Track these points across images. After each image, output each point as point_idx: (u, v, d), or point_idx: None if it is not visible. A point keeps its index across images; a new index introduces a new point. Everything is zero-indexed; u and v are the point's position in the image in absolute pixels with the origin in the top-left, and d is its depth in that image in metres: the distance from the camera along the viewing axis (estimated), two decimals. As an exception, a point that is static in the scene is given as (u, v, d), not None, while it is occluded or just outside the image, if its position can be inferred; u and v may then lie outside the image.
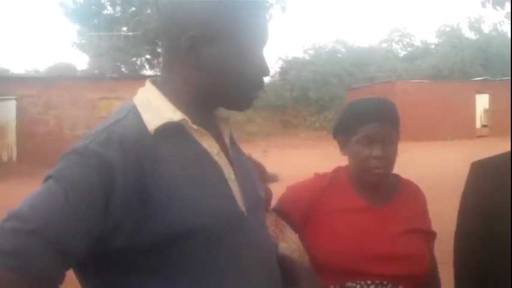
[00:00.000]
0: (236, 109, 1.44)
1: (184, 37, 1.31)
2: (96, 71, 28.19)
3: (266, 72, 1.42)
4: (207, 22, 1.32)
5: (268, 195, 1.98)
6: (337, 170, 2.14)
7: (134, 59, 30.45)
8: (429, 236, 2.09)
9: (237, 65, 1.34)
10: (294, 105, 38.20)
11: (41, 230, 1.11)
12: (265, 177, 2.02)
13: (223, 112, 1.49)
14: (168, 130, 1.29)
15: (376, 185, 2.02)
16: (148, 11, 25.93)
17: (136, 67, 30.41)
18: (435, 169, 13.17)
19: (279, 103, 37.92)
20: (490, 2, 10.77)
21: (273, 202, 2.09)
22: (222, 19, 1.32)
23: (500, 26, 36.43)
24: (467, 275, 2.03)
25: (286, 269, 1.54)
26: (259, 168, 1.95)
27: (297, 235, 2.00)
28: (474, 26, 42.71)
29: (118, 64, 29.59)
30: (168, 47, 1.38)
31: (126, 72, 29.25)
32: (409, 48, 47.65)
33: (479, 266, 1.99)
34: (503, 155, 2.05)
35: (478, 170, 2.04)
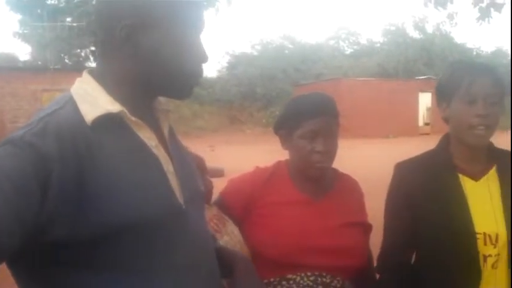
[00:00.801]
0: (176, 98, 1.43)
1: (120, 26, 1.29)
2: (39, 62, 27.52)
3: (205, 59, 1.41)
4: (142, 10, 1.30)
5: (209, 187, 2.00)
6: (278, 164, 2.17)
7: (78, 50, 29.84)
8: (366, 228, 2.15)
9: (175, 52, 1.33)
10: (241, 100, 38.24)
11: None
12: (205, 170, 2.02)
13: (162, 104, 1.48)
14: (106, 121, 1.27)
15: (316, 178, 2.05)
16: (93, 2, 25.43)
17: (81, 59, 29.81)
18: (375, 166, 13.45)
19: (226, 98, 37.90)
20: (432, 1, 11.00)
21: (215, 195, 2.10)
22: (158, 7, 1.31)
23: (443, 26, 37.39)
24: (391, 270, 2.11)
25: (224, 260, 1.55)
26: (199, 161, 1.95)
27: (238, 228, 2.02)
28: (418, 26, 43.60)
29: (62, 55, 28.96)
30: (104, 37, 1.35)
31: (70, 63, 28.70)
32: (355, 46, 48.34)
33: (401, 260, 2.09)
34: (424, 154, 2.13)
35: (401, 170, 2.12)
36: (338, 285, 1.96)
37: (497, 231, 1.94)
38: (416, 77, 35.44)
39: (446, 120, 2.04)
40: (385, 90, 31.94)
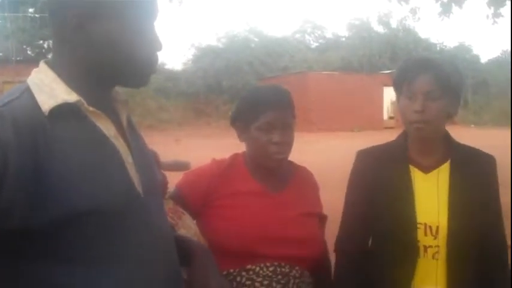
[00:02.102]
0: (132, 86, 1.43)
1: (71, 15, 1.29)
2: (0, 54, 27.01)
3: (159, 47, 1.41)
4: None
5: (164, 181, 2.00)
6: (235, 156, 2.19)
7: (41, 41, 29.33)
8: (322, 219, 2.20)
9: (127, 40, 1.33)
10: (206, 93, 38.08)
11: None
12: (159, 165, 2.03)
13: (120, 94, 1.48)
14: (63, 112, 1.27)
15: (272, 170, 2.08)
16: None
17: (43, 50, 29.27)
18: (339, 159, 13.66)
19: (192, 91, 37.71)
20: (395, -5, 11.10)
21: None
22: None
23: (406, 20, 37.73)
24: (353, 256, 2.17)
25: (183, 249, 1.56)
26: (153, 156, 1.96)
27: (195, 221, 2.04)
28: (383, 21, 44.03)
29: (24, 47, 28.49)
30: (56, 26, 1.35)
31: (33, 55, 28.23)
32: (320, 40, 48.57)
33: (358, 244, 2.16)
34: (384, 145, 2.22)
35: (360, 158, 2.20)
36: (297, 275, 1.99)
37: (438, 223, 2.00)
38: (381, 71, 35.77)
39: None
40: (350, 84, 32.17)
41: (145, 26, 1.36)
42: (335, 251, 2.22)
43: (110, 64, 1.34)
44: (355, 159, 2.21)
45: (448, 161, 2.09)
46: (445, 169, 2.08)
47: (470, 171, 2.07)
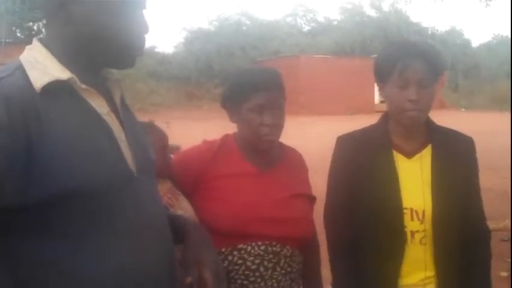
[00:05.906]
0: (118, 67, 1.43)
1: None
2: (-11, 36, 26.77)
3: (145, 29, 1.39)
4: None
5: (168, 162, 2.01)
6: (226, 137, 2.20)
7: (30, 23, 29.14)
8: (311, 200, 2.21)
9: (110, 21, 1.32)
10: (198, 76, 37.94)
11: None
12: (167, 147, 2.04)
13: (112, 73, 1.48)
14: (56, 89, 1.26)
15: (263, 151, 2.09)
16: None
17: (33, 32, 29.08)
18: (330, 143, 13.69)
19: (183, 74, 37.56)
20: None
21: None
22: None
23: (397, 3, 37.66)
24: (338, 239, 2.18)
25: (177, 227, 1.57)
26: (162, 137, 1.96)
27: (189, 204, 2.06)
28: (375, 4, 43.90)
29: (13, 29, 28.26)
30: (43, 5, 1.35)
31: (22, 37, 28.06)
32: (312, 24, 48.33)
33: (346, 229, 2.15)
34: (364, 129, 2.22)
35: (341, 144, 2.20)
36: (288, 254, 2.02)
37: (424, 207, 2.02)
38: (373, 55, 35.69)
39: (384, 99, 2.10)
40: (342, 68, 32.16)
41: (129, 8, 1.35)
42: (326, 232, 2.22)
43: (94, 44, 1.33)
44: (336, 145, 2.20)
45: (430, 145, 2.10)
46: (427, 153, 2.09)
47: (451, 154, 2.09)
